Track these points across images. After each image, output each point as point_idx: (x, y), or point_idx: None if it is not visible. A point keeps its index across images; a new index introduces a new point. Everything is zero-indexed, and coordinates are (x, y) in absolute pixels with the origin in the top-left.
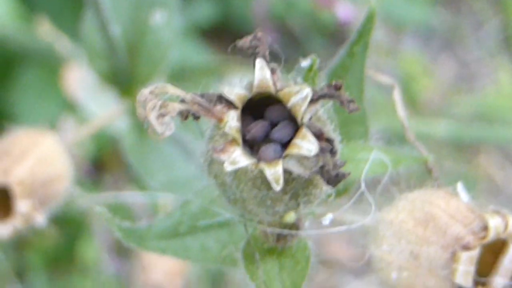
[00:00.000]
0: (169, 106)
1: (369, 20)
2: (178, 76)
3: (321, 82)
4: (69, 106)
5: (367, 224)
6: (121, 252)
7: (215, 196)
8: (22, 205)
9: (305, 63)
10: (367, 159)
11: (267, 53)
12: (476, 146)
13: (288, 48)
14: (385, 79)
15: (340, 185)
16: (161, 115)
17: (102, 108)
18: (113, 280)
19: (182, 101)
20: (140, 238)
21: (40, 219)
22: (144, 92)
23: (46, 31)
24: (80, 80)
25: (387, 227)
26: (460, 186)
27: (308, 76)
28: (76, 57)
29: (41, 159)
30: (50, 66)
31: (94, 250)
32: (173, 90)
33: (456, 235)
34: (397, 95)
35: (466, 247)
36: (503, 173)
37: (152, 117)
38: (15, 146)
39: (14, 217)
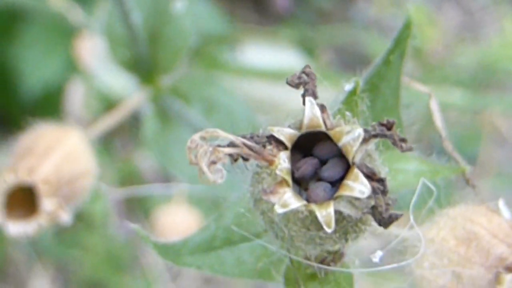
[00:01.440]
0: (219, 152)
1: (406, 28)
2: (193, 47)
3: (362, 103)
4: (75, 67)
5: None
6: (130, 212)
7: (248, 209)
8: (47, 204)
9: (348, 86)
10: (405, 170)
11: (316, 90)
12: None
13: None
14: (421, 87)
15: None
16: (212, 162)
17: (113, 78)
18: (120, 236)
19: (232, 144)
20: (176, 254)
21: (66, 217)
22: (195, 138)
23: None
24: (91, 49)
25: (428, 245)
26: (501, 203)
27: (351, 99)
28: (88, 27)
29: (66, 156)
30: (59, 28)
31: (102, 206)
32: (223, 134)
33: (500, 256)
34: (434, 105)
35: (510, 268)
36: (508, 123)
37: (204, 164)
38: (39, 143)
39: (39, 215)
